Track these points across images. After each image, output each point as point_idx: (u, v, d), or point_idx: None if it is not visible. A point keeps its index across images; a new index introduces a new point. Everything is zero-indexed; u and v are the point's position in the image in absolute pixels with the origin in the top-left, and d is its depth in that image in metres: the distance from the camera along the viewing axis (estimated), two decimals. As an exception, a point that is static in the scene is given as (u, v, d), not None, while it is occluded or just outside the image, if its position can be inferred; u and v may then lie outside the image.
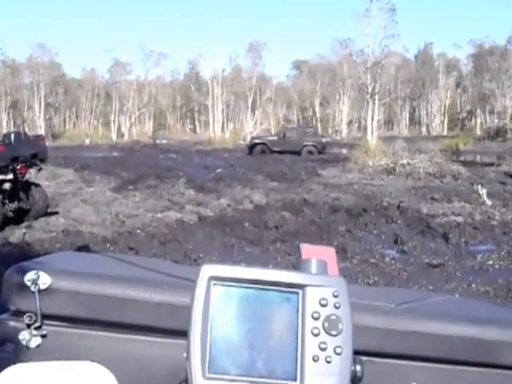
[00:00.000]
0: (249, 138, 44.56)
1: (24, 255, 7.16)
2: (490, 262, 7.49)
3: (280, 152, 29.60)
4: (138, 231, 9.10)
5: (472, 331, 1.01)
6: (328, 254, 0.95)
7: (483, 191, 12.80)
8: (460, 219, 10.19)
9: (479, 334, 1.01)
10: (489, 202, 12.07)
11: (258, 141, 32.89)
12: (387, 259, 7.71)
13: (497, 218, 10.47)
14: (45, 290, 0.97)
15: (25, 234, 8.51)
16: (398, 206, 11.76)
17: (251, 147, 32.06)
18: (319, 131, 34.76)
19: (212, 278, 0.76)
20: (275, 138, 33.01)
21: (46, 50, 54.85)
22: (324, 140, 33.85)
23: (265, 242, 8.51)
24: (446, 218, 10.37)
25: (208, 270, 0.76)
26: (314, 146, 31.10)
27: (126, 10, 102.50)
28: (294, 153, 29.31)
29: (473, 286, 6.45)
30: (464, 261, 7.60)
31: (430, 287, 6.44)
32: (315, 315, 0.75)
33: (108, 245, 8.12)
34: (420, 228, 9.69)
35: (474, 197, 12.84)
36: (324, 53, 62.39)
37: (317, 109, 63.50)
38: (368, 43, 43.04)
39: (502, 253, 7.91)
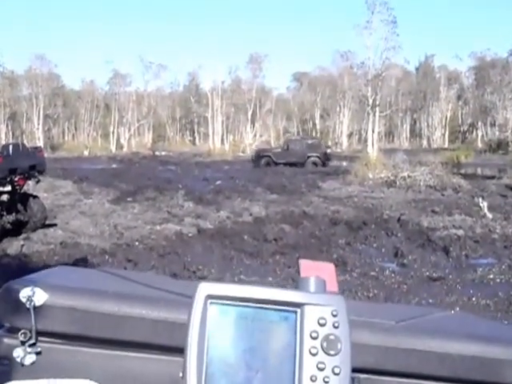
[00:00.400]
0: (248, 150, 44.78)
1: (22, 267, 7.15)
2: (491, 276, 7.47)
3: (284, 164, 29.69)
4: (137, 243, 9.08)
5: (473, 349, 0.99)
6: (327, 270, 0.95)
7: (484, 204, 12.80)
8: (461, 232, 10.19)
9: (480, 351, 0.99)
10: (490, 215, 12.06)
11: (262, 153, 33.02)
12: (387, 272, 7.69)
13: (498, 231, 10.46)
14: (40, 306, 0.96)
15: (23, 245, 8.50)
16: (399, 219, 11.76)
17: (256, 159, 32.13)
18: (323, 143, 34.55)
19: (209, 296, 0.75)
20: (279, 150, 33.15)
21: (44, 61, 55.32)
22: (328, 151, 34.02)
23: (264, 254, 8.50)
24: (447, 231, 10.37)
25: (205, 289, 0.75)
26: (317, 157, 31.17)
27: (126, 21, 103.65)
28: (297, 164, 29.40)
29: (473, 299, 6.43)
30: (464, 274, 7.58)
31: (431, 300, 6.44)
32: (313, 334, 0.74)
33: (106, 257, 8.10)
34: (420, 241, 9.68)
35: (475, 210, 12.84)
36: (325, 65, 63.04)
37: (317, 121, 63.82)
38: (369, 55, 43.22)
39: (503, 266, 7.89)
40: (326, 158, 31.75)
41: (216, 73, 57.51)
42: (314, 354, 0.73)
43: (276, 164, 30.39)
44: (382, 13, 42.81)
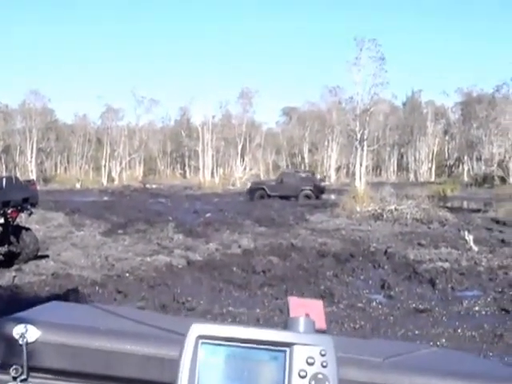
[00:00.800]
0: (238, 184, 44.94)
1: (13, 298, 7.17)
2: (477, 308, 7.49)
3: (278, 197, 29.77)
4: (127, 274, 9.09)
5: None
6: (315, 307, 0.96)
7: (470, 237, 12.87)
8: (447, 265, 10.24)
9: None
10: (475, 248, 12.13)
11: (257, 186, 33.24)
12: (374, 304, 7.69)
13: (483, 264, 10.51)
14: (32, 343, 0.97)
15: (15, 277, 8.47)
16: (385, 252, 11.82)
17: (251, 192, 32.25)
18: (317, 176, 34.72)
19: (200, 336, 0.77)
20: (273, 183, 33.36)
21: (38, 96, 55.80)
22: (322, 184, 34.19)
23: (252, 286, 8.51)
24: (433, 263, 10.41)
25: (196, 329, 0.77)
26: (311, 190, 31.37)
27: (119, 56, 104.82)
28: (291, 197, 29.61)
29: (459, 331, 6.42)
30: (450, 306, 7.60)
31: (417, 332, 6.40)
32: (302, 373, 0.76)
33: (97, 288, 8.06)
34: (407, 273, 9.71)
35: (461, 243, 12.91)
36: (313, 100, 63.89)
37: (306, 155, 64.36)
38: (357, 91, 43.92)
39: (488, 299, 7.91)
40: (319, 191, 32.00)
41: (207, 107, 58.21)
42: None
43: (269, 197, 30.53)
44: (370, 49, 43.72)
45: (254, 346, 0.77)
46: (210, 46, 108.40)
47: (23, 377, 0.96)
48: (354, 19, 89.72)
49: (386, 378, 0.97)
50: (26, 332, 0.97)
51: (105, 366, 0.98)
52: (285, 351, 0.77)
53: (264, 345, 0.77)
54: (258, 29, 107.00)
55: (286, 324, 0.84)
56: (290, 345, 0.77)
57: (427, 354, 1.27)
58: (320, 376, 0.76)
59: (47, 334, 0.99)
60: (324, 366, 0.76)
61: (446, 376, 1.00)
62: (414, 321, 6.90)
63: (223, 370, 0.77)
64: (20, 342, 0.96)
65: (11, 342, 0.97)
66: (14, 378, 0.96)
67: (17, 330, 0.97)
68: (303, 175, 33.84)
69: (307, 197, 30.64)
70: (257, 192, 31.70)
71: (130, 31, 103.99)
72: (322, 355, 0.77)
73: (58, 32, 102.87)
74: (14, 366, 0.96)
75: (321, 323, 0.90)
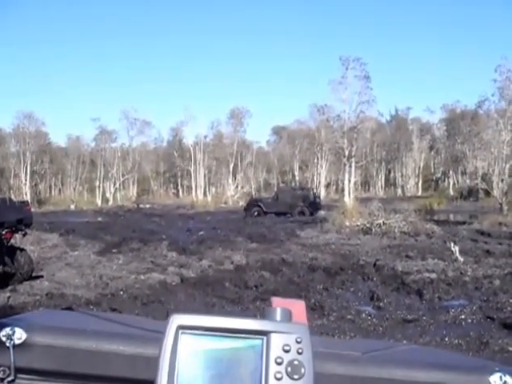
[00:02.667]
0: (230, 202, 45.06)
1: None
2: (463, 317, 7.57)
3: (274, 213, 29.91)
4: (121, 293, 9.12)
5: (437, 377, 1.02)
6: (298, 306, 0.97)
7: (456, 248, 13.04)
8: (433, 276, 10.39)
9: (443, 380, 1.02)
10: (461, 259, 12.29)
11: (253, 202, 33.36)
12: (363, 315, 7.74)
13: (469, 274, 10.67)
14: (20, 344, 0.99)
15: (9, 297, 8.47)
16: (374, 264, 11.96)
17: (247, 209, 32.30)
18: (312, 192, 34.55)
19: (180, 327, 0.79)
20: (269, 200, 33.43)
21: (32, 119, 56.02)
22: (318, 200, 34.10)
23: (245, 300, 8.57)
24: (420, 274, 10.55)
25: (177, 320, 0.80)
26: (306, 207, 31.39)
27: (111, 79, 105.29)
28: (286, 214, 29.62)
29: (446, 339, 6.48)
30: (438, 316, 7.67)
31: (405, 341, 6.51)
32: (278, 360, 0.78)
33: (91, 306, 8.04)
34: (395, 285, 9.84)
35: (447, 254, 13.07)
36: (303, 119, 64.53)
37: (296, 172, 64.77)
38: (344, 109, 44.70)
39: (474, 307, 8.00)
40: (314, 208, 31.90)
41: (198, 128, 58.81)
42: (278, 379, 0.78)
43: (265, 213, 30.57)
44: (355, 68, 44.66)
45: (233, 334, 0.80)
46: (200, 67, 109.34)
47: (10, 378, 0.98)
48: (339, 38, 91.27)
49: (365, 371, 1.00)
50: (12, 334, 0.99)
51: (91, 366, 1.00)
52: (262, 339, 0.80)
53: (242, 333, 0.80)
54: (248, 50, 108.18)
55: (264, 314, 0.87)
56: (266, 333, 0.80)
57: (404, 350, 1.33)
58: (296, 362, 0.78)
59: (34, 336, 1.00)
60: (299, 353, 0.79)
61: (422, 368, 1.03)
62: (403, 331, 6.97)
63: (203, 358, 0.79)
64: (7, 344, 0.98)
65: None
66: (2, 379, 0.98)
67: (4, 332, 0.99)
68: (298, 192, 33.91)
69: (302, 213, 30.60)
70: (253, 208, 31.79)
71: (123, 53, 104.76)
72: (298, 342, 0.79)
73: (51, 55, 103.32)
74: (2, 368, 0.98)
75: (302, 322, 0.92)
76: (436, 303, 8.59)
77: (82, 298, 8.60)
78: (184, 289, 9.57)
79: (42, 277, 10.31)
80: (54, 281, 9.96)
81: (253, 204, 32.83)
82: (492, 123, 34.98)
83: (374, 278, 10.53)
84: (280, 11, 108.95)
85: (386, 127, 66.13)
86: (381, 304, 8.48)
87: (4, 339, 0.99)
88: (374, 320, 7.55)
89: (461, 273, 10.80)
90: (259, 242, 16.24)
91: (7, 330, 0.99)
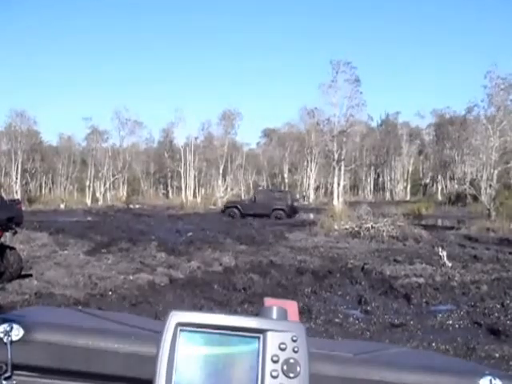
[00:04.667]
0: (220, 203, 45.02)
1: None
2: (450, 322, 7.61)
3: (251, 215, 29.87)
4: (110, 293, 9.11)
5: (427, 380, 1.02)
6: (290, 306, 0.97)
7: (444, 253, 13.11)
8: (421, 280, 10.45)
9: (434, 382, 1.02)
10: (449, 264, 12.38)
11: (231, 204, 33.39)
12: (351, 319, 7.75)
13: (456, 279, 10.75)
14: (17, 341, 0.99)
15: None
16: (362, 268, 12.01)
17: (225, 210, 32.46)
18: (290, 195, 34.27)
19: (179, 324, 0.80)
20: (247, 202, 33.53)
21: (24, 118, 55.55)
22: (295, 204, 34.09)
23: (233, 302, 8.57)
24: (408, 279, 10.61)
25: (175, 317, 0.81)
26: (282, 209, 31.33)
27: (103, 79, 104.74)
28: (263, 216, 29.52)
29: (433, 344, 6.49)
30: (425, 320, 7.69)
31: None
32: (274, 358, 0.79)
33: (80, 306, 8.10)
34: (383, 289, 9.88)
35: (435, 259, 13.16)
36: (293, 121, 64.71)
37: (285, 175, 64.90)
38: (334, 112, 44.90)
39: (462, 312, 8.06)
40: (292, 211, 31.89)
41: (189, 129, 58.68)
42: (274, 377, 0.78)
43: (243, 215, 30.58)
44: (345, 72, 44.86)
45: (230, 332, 0.80)
46: (191, 69, 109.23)
47: (7, 374, 0.98)
48: (330, 42, 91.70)
49: (356, 372, 1.00)
50: (10, 330, 0.99)
51: (87, 364, 1.00)
52: (258, 337, 0.80)
53: (239, 331, 0.80)
54: (239, 52, 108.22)
55: (260, 313, 0.88)
56: (263, 331, 0.80)
57: (395, 352, 1.33)
58: (292, 361, 0.79)
59: (31, 333, 1.01)
60: (295, 352, 0.79)
61: (414, 370, 1.04)
62: (390, 335, 6.99)
63: (200, 355, 0.80)
64: (4, 341, 0.98)
65: None
66: None
67: (1, 329, 0.99)
68: (276, 194, 33.69)
69: (279, 216, 30.58)
70: (230, 210, 31.88)
71: (115, 53, 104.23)
72: (294, 341, 0.80)
73: (43, 54, 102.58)
74: None
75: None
76: (423, 308, 8.64)
77: (70, 297, 8.56)
78: (172, 290, 9.56)
79: (30, 276, 10.24)
80: (43, 280, 9.89)
81: (230, 206, 32.90)
82: (481, 129, 35.34)
83: (362, 282, 10.57)
84: (271, 14, 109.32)
85: (375, 131, 66.50)
86: (368, 308, 8.51)
87: (1, 335, 0.99)
88: (362, 324, 7.57)
89: (448, 278, 10.87)
90: (248, 244, 16.26)
91: (5, 327, 0.99)
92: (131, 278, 10.36)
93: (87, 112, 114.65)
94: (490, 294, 9.34)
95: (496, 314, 7.93)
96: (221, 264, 12.38)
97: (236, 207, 32.26)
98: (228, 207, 32.86)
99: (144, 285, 9.82)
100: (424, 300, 9.04)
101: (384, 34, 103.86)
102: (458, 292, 9.68)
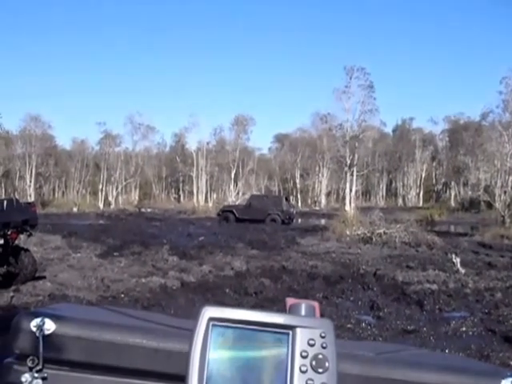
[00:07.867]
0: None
1: (10, 318, 7.22)
2: (464, 329, 7.57)
3: (245, 220, 29.77)
4: (122, 295, 9.17)
5: (449, 379, 1.03)
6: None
7: (457, 260, 13.04)
8: (434, 287, 10.40)
9: (456, 381, 1.03)
10: (462, 271, 12.31)
11: (226, 209, 33.46)
12: (363, 325, 7.73)
13: (470, 285, 10.69)
14: (48, 335, 1.02)
15: (12, 297, 8.51)
16: (375, 274, 11.96)
17: (221, 215, 32.47)
18: (284, 201, 33.70)
19: (211, 319, 0.82)
20: (242, 206, 33.38)
21: (39, 122, 56.23)
22: (292, 210, 33.54)
23: (244, 307, 8.62)
24: (421, 285, 10.56)
25: (208, 312, 0.83)
26: (277, 215, 31.04)
27: (117, 84, 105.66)
28: (258, 221, 29.26)
29: (446, 351, 6.41)
30: (438, 327, 7.66)
31: None
32: (304, 354, 0.80)
33: None
34: (395, 295, 9.84)
35: (448, 265, 13.09)
36: (305, 127, 64.78)
37: (297, 180, 64.90)
38: (347, 118, 44.87)
39: (475, 319, 8.01)
40: (287, 217, 31.45)
41: (201, 134, 59.01)
42: (303, 372, 0.80)
43: (238, 220, 30.53)
44: (359, 78, 44.88)
45: (261, 328, 0.82)
46: (205, 75, 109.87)
47: (39, 367, 1.01)
48: (344, 48, 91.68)
49: (379, 371, 1.02)
50: (42, 325, 1.02)
51: (116, 358, 1.03)
52: (288, 333, 0.82)
53: (269, 327, 0.82)
54: (252, 58, 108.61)
55: (289, 309, 0.90)
56: (293, 327, 0.82)
57: (416, 353, 1.36)
58: (320, 356, 0.80)
59: (62, 327, 1.04)
60: (324, 347, 0.81)
61: (436, 370, 1.05)
62: (403, 341, 6.89)
63: (231, 349, 0.82)
64: (37, 335, 1.01)
65: (28, 335, 1.02)
66: (30, 369, 1.01)
67: (34, 323, 1.02)
68: (271, 200, 33.33)
69: (273, 221, 30.33)
70: (226, 215, 31.92)
71: (129, 60, 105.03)
72: (322, 337, 0.81)
73: (60, 60, 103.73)
74: (31, 357, 1.01)
75: None
76: (437, 314, 8.59)
77: (83, 299, 8.62)
78: (184, 293, 9.59)
79: (44, 278, 10.35)
80: (57, 282, 9.99)
81: (226, 210, 32.92)
82: (496, 135, 35.05)
83: (374, 288, 10.52)
84: (284, 21, 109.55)
85: (388, 137, 66.30)
86: (381, 314, 8.48)
87: (34, 329, 1.02)
88: (374, 330, 7.54)
89: (462, 284, 10.80)
90: (259, 249, 16.27)
91: (37, 321, 1.02)
92: (143, 281, 10.42)
93: (101, 117, 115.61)
94: (504, 301, 9.25)
95: (511, 322, 7.88)
96: (232, 268, 12.39)
97: (231, 212, 32.28)
98: (224, 211, 32.89)
99: (156, 288, 9.87)
100: (437, 306, 8.98)
101: (398, 40, 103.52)
102: (471, 299, 9.61)
